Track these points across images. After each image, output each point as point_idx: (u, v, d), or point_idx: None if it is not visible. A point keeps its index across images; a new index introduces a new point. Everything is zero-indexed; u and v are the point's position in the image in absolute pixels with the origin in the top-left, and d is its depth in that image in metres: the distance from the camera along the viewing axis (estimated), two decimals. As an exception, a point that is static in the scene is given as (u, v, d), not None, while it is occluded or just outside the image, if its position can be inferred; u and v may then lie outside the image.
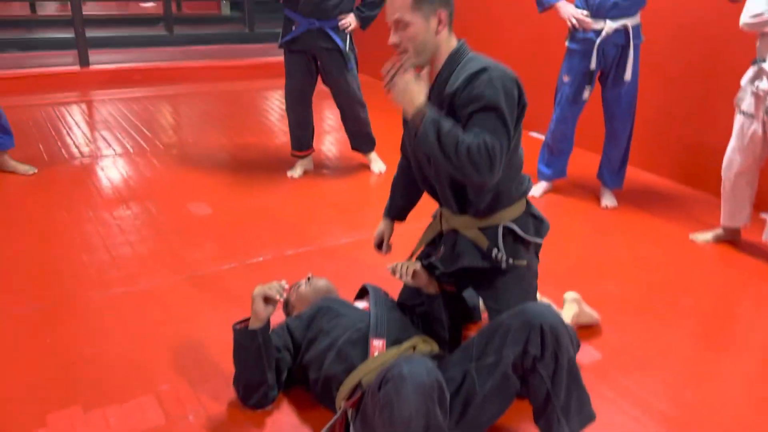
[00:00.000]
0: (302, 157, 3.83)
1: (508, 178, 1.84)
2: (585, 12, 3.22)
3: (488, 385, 1.63)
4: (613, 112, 3.42)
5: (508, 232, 1.90)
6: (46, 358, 2.07)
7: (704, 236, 3.10)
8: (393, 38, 1.79)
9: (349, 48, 3.52)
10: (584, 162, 4.02)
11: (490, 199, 1.86)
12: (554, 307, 2.06)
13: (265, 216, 3.22)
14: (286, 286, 1.83)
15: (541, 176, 3.69)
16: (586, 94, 3.38)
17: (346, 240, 2.97)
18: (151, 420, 1.81)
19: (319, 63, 3.56)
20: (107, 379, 1.96)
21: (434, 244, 2.08)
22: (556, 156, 3.63)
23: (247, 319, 1.81)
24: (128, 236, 2.94)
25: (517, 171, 1.91)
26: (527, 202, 1.98)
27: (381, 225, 2.25)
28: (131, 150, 4.16)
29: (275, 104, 5.59)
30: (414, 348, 1.80)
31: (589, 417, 1.67)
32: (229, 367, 1.89)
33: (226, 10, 10.16)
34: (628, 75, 3.28)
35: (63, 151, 4.08)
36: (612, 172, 3.55)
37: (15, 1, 9.89)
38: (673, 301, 2.54)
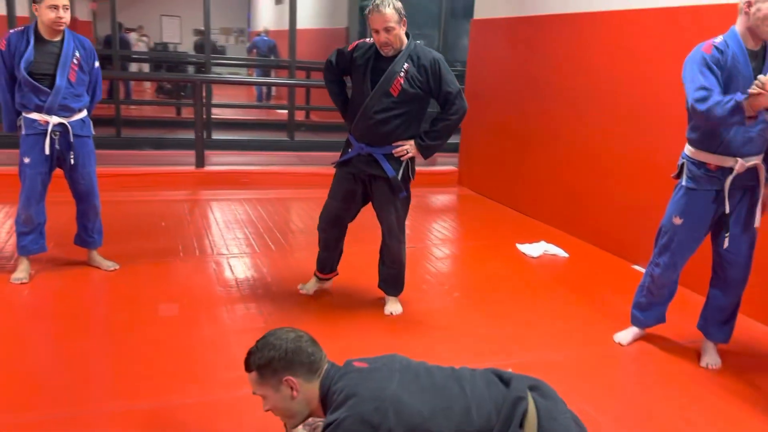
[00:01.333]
0: (323, 279, 3.62)
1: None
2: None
3: None
4: (729, 260, 2.93)
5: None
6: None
7: None
8: (264, 407, 1.85)
9: (402, 177, 3.22)
10: (685, 303, 3.54)
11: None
12: None
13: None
14: None
15: (635, 321, 3.24)
16: (726, 243, 2.86)
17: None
18: None
19: (369, 189, 3.32)
20: None
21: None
22: (657, 302, 3.16)
23: None
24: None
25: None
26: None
27: None
28: (235, 250, 4.26)
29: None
30: None
31: None
32: None
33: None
34: (757, 221, 2.83)
35: (150, 248, 4.25)
36: (717, 324, 3.04)
37: (162, 105, 11.04)
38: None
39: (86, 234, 3.80)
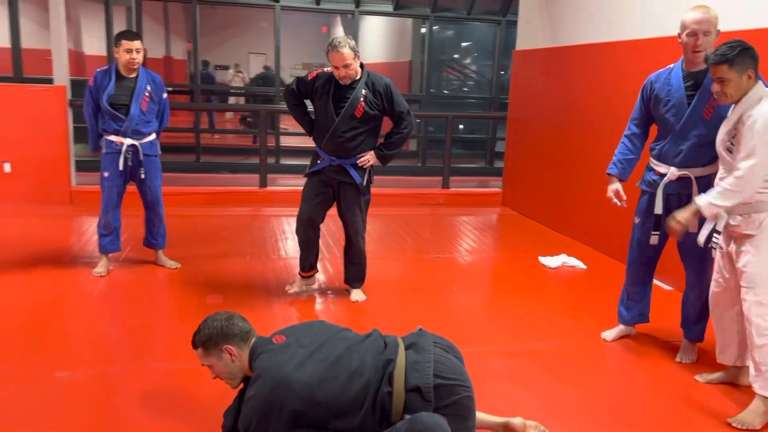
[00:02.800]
0: (306, 277, 4.10)
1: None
2: (619, 190, 3.37)
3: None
4: (687, 262, 3.24)
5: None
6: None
7: None
8: (212, 375, 2.29)
9: (366, 183, 3.82)
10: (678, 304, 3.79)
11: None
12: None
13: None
14: None
15: (620, 319, 3.56)
16: (654, 240, 3.26)
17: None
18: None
19: (337, 193, 3.86)
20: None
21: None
22: (634, 299, 3.48)
23: None
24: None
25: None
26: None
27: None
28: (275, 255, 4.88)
29: (404, 230, 6.05)
30: None
31: None
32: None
33: (413, 147, 11.21)
34: (693, 227, 3.07)
35: (208, 251, 4.93)
36: (689, 323, 3.30)
37: (238, 134, 11.98)
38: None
39: (152, 237, 4.51)
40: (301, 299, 4.03)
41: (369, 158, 3.79)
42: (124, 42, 4.13)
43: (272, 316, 3.69)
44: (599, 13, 5.40)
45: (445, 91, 11.65)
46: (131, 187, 4.41)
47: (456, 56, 11.75)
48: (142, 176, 4.31)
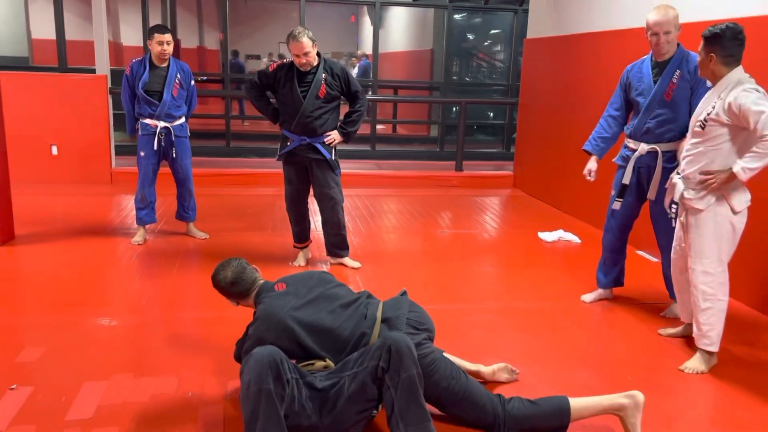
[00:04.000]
0: (303, 248, 4.50)
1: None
2: (593, 171, 3.78)
3: (352, 388, 2.20)
4: (654, 228, 3.65)
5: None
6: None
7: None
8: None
9: (335, 158, 4.23)
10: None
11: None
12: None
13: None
14: None
15: (598, 283, 3.96)
16: (616, 205, 3.69)
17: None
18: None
19: (310, 171, 4.24)
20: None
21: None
22: (609, 264, 3.88)
23: None
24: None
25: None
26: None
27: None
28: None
29: (419, 208, 6.47)
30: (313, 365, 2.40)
31: (425, 430, 2.11)
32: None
33: (434, 132, 11.59)
34: (651, 194, 3.52)
35: (230, 225, 5.43)
36: (669, 284, 3.67)
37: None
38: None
39: (183, 210, 5.02)
40: (309, 268, 4.49)
41: (334, 137, 4.20)
42: (156, 35, 4.63)
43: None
44: (603, 2, 5.69)
45: (467, 78, 11.97)
46: (165, 169, 4.93)
47: (477, 44, 12.04)
48: (174, 155, 4.82)
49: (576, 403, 2.38)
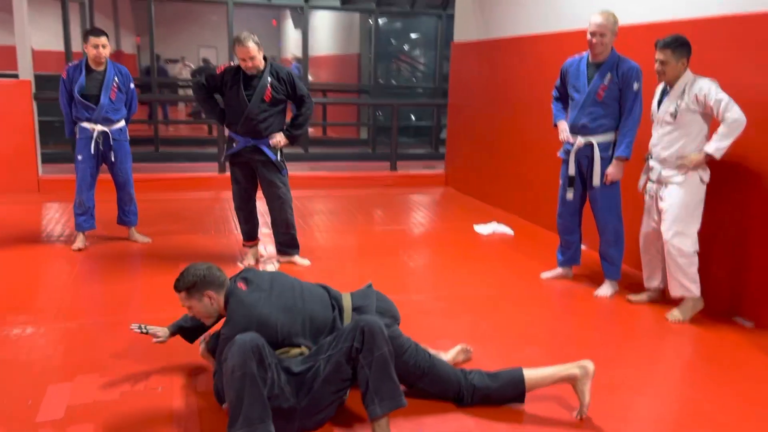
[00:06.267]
0: (251, 247, 4.59)
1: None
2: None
3: (327, 370, 2.33)
4: (593, 212, 4.02)
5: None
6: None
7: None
8: (189, 314, 2.69)
9: (281, 159, 4.32)
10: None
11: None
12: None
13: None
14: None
15: (558, 262, 4.34)
16: (569, 195, 4.03)
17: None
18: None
19: (257, 171, 4.32)
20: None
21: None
22: (565, 246, 4.26)
23: None
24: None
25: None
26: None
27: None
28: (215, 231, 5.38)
29: (356, 207, 6.63)
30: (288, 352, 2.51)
31: (397, 403, 2.28)
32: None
33: (363, 135, 11.79)
34: (595, 181, 3.86)
35: (173, 228, 5.41)
36: (606, 263, 4.04)
37: (194, 125, 12.33)
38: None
39: (124, 215, 4.97)
40: (259, 267, 4.56)
41: (280, 140, 4.28)
42: (91, 38, 4.58)
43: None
44: (525, 7, 6.05)
45: (393, 81, 12.23)
46: (103, 174, 4.86)
47: (403, 48, 12.34)
48: (113, 159, 4.77)
49: (531, 374, 2.60)
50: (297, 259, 4.58)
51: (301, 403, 2.32)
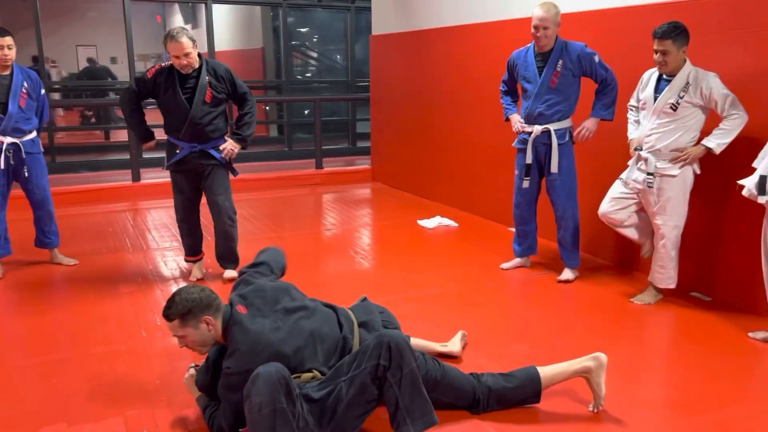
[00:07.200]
0: (195, 262, 4.23)
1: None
2: (522, 120, 3.98)
3: (351, 393, 2.14)
4: (551, 199, 4.03)
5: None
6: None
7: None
8: (180, 344, 2.37)
9: (231, 161, 4.01)
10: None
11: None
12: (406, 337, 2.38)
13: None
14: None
15: (515, 252, 4.33)
16: (525, 184, 4.03)
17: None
18: None
19: (203, 178, 3.97)
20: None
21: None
22: (522, 236, 4.24)
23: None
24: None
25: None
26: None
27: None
28: (161, 245, 4.96)
29: (292, 209, 6.38)
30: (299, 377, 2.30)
31: (430, 421, 2.14)
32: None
33: (273, 133, 11.42)
34: (554, 168, 3.89)
35: (100, 246, 4.93)
36: (565, 251, 4.09)
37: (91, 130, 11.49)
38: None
39: (44, 236, 4.45)
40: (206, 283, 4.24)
41: (232, 148, 3.96)
42: (-8, 39, 4.03)
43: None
44: (448, -2, 6.02)
45: (299, 77, 11.92)
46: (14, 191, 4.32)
47: (310, 42, 12.03)
48: (27, 175, 4.24)
49: (545, 371, 2.55)
50: (227, 272, 4.18)
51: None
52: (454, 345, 2.99)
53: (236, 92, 3.98)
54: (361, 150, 9.44)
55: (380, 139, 7.67)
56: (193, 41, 3.77)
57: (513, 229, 5.18)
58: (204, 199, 4.12)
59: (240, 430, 2.23)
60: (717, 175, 3.56)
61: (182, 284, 4.03)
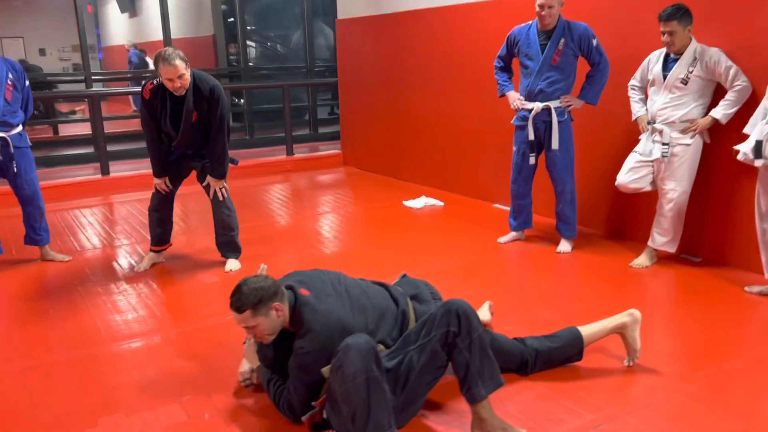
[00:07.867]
0: (159, 251, 4.22)
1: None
2: (522, 97, 4.11)
3: (422, 360, 2.23)
4: (551, 174, 4.20)
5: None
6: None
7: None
8: (249, 334, 2.39)
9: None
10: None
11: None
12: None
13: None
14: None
15: (511, 227, 4.48)
16: (532, 160, 4.17)
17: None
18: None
19: (198, 172, 4.05)
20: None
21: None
22: (517, 211, 4.40)
23: None
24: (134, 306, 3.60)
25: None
26: None
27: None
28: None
29: (274, 196, 6.36)
30: None
31: (498, 382, 2.25)
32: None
33: (233, 122, 11.24)
34: (554, 144, 4.05)
35: (89, 242, 4.80)
36: (563, 223, 4.26)
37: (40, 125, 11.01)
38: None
39: (34, 233, 4.30)
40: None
41: (217, 188, 4.01)
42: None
43: (204, 285, 3.88)
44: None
45: (251, 63, 11.74)
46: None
47: (265, 28, 11.85)
48: (16, 170, 4.10)
49: (586, 330, 2.71)
50: (229, 261, 4.17)
51: (399, 399, 2.21)
52: (483, 314, 3.11)
53: (212, 116, 3.81)
54: (323, 136, 9.43)
55: (351, 124, 7.70)
56: (186, 62, 3.64)
57: (498, 206, 5.41)
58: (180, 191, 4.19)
59: (313, 403, 2.28)
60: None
61: (203, 272, 4.09)
